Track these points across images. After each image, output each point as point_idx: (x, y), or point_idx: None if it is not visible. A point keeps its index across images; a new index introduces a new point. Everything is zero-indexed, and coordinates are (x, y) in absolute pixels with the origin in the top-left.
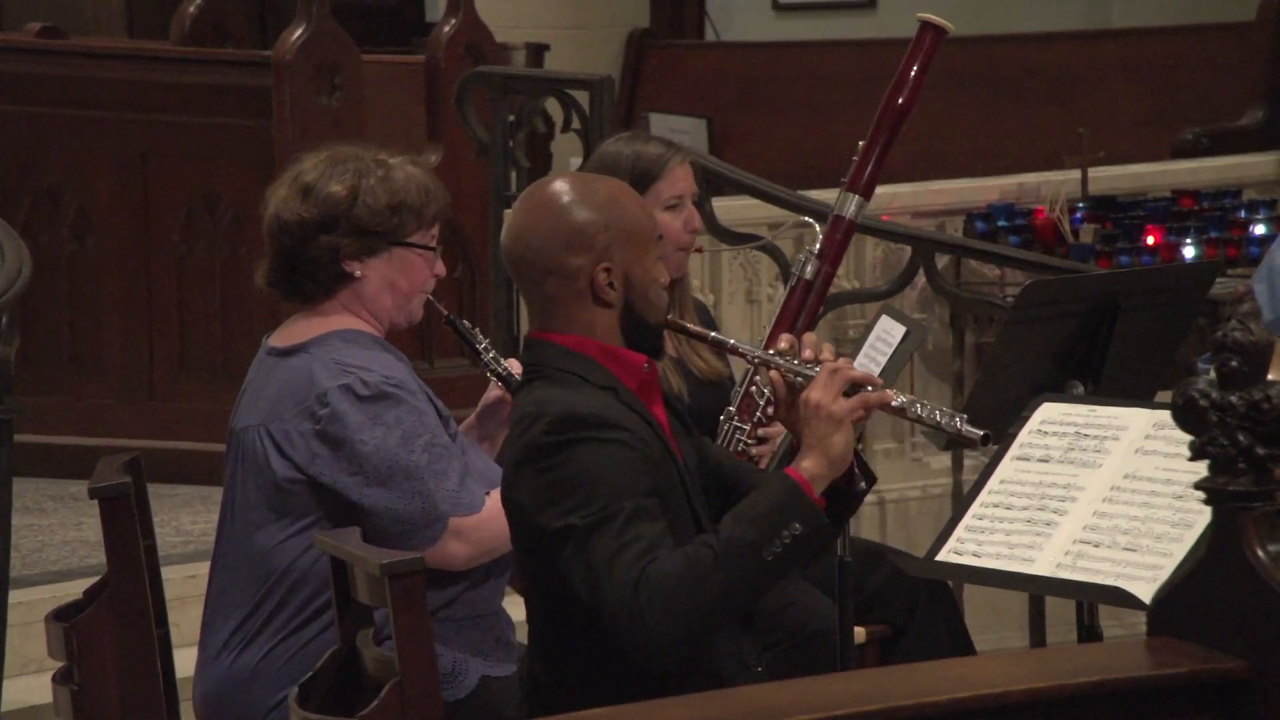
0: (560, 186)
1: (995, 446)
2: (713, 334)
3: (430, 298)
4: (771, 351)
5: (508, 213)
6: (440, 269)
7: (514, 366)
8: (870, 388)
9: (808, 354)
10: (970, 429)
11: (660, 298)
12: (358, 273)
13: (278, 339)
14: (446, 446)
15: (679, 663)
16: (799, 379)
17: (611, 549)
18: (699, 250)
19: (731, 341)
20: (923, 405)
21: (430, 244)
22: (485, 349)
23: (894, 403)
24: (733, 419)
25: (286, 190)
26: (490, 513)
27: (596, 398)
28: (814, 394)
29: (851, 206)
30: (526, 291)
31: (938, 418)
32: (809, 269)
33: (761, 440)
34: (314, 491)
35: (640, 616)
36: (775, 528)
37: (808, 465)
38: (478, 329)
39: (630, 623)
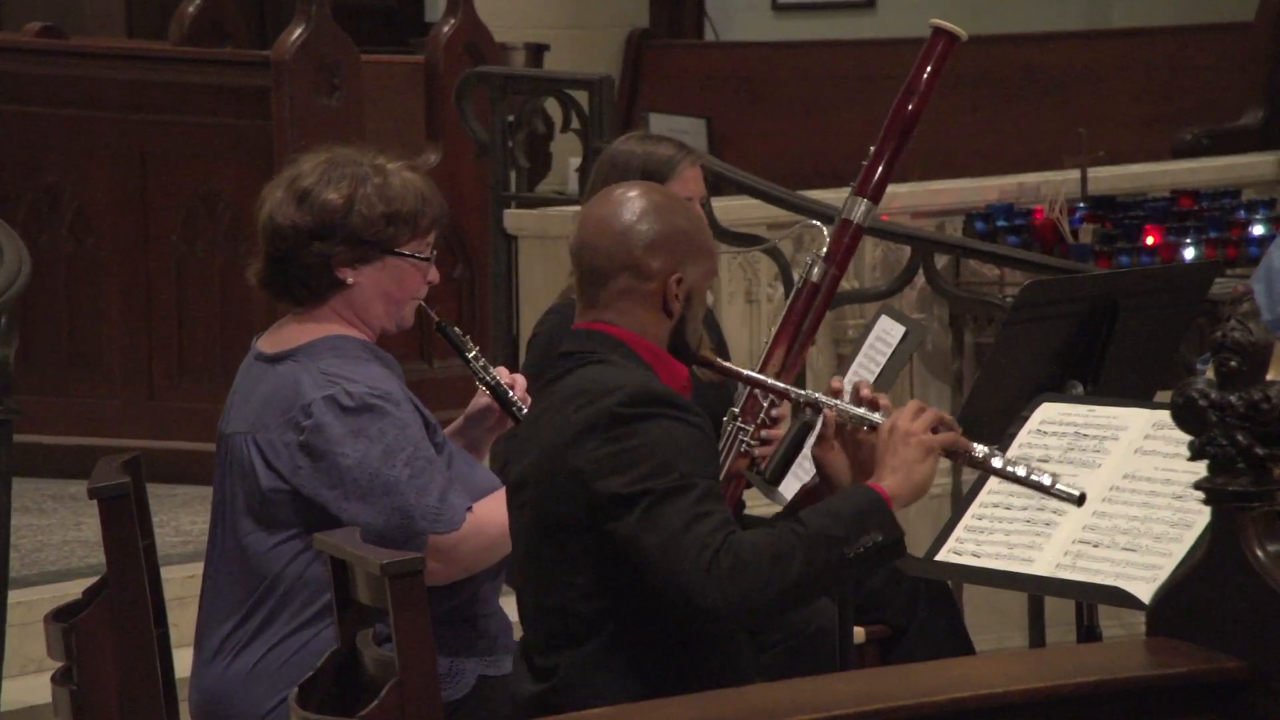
0: (652, 190)
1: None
2: (747, 372)
3: (422, 304)
4: (819, 394)
5: (511, 212)
6: (434, 276)
7: (502, 375)
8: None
9: (866, 392)
10: (1064, 488)
11: (700, 325)
12: (350, 280)
13: (266, 343)
14: (430, 460)
15: (735, 630)
16: (854, 424)
17: (691, 514)
18: None
19: (771, 382)
20: (1009, 461)
21: (425, 253)
22: (475, 357)
23: (976, 453)
24: (736, 419)
25: (283, 193)
26: (469, 530)
27: (664, 384)
28: (903, 421)
29: (859, 211)
30: (589, 283)
31: (1024, 473)
32: (815, 272)
33: (764, 441)
34: (298, 502)
35: (718, 579)
36: (858, 531)
37: (890, 484)
38: (468, 336)
39: (704, 582)
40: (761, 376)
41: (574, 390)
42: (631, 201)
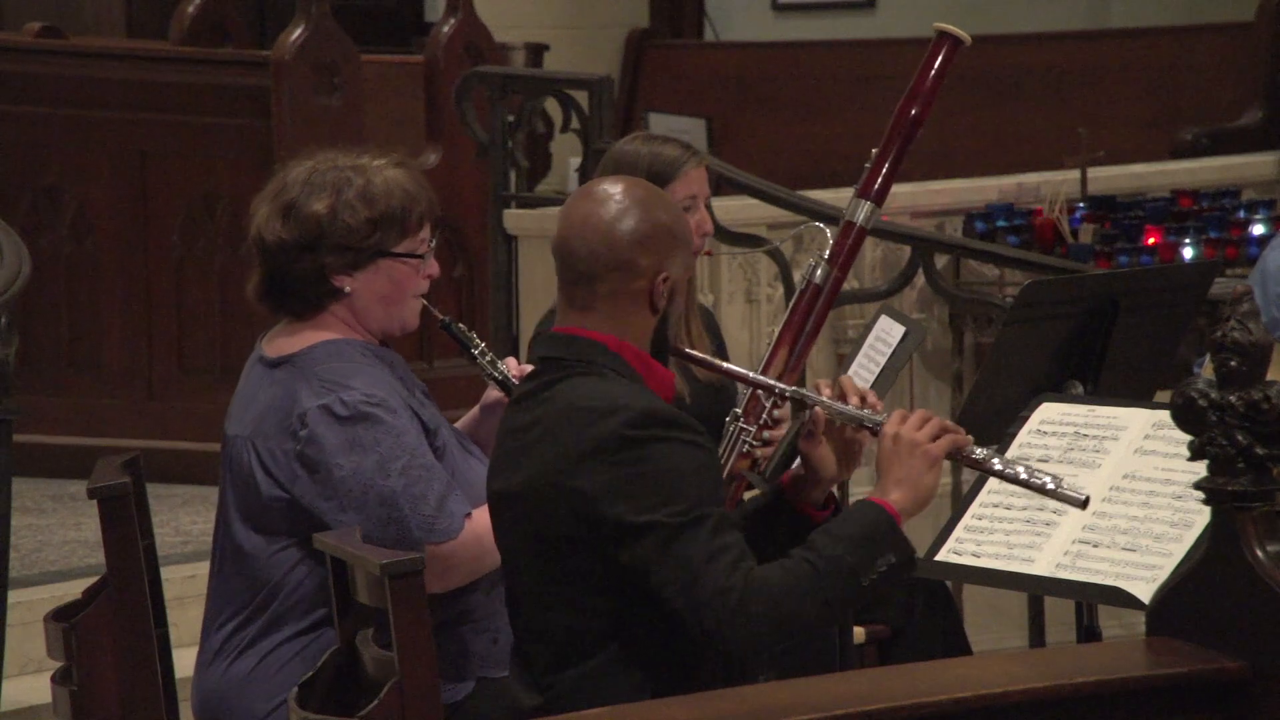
0: (634, 185)
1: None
2: (727, 365)
3: (425, 303)
4: (807, 390)
5: (510, 212)
6: (433, 269)
7: (510, 366)
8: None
9: (854, 401)
10: (1067, 490)
11: (680, 320)
12: (347, 288)
13: (269, 346)
14: (427, 467)
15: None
16: (843, 419)
17: (707, 551)
18: (708, 253)
19: (755, 376)
20: (1010, 463)
21: (418, 250)
22: (482, 352)
23: (978, 456)
24: (738, 420)
25: (268, 208)
26: (467, 537)
27: (660, 399)
28: (907, 431)
29: (863, 213)
30: (574, 283)
31: (1025, 476)
32: (819, 273)
33: (766, 443)
34: (297, 511)
35: (745, 622)
36: (871, 555)
37: (898, 498)
38: (474, 332)
39: (730, 626)
40: (744, 371)
41: (570, 406)
42: (615, 197)
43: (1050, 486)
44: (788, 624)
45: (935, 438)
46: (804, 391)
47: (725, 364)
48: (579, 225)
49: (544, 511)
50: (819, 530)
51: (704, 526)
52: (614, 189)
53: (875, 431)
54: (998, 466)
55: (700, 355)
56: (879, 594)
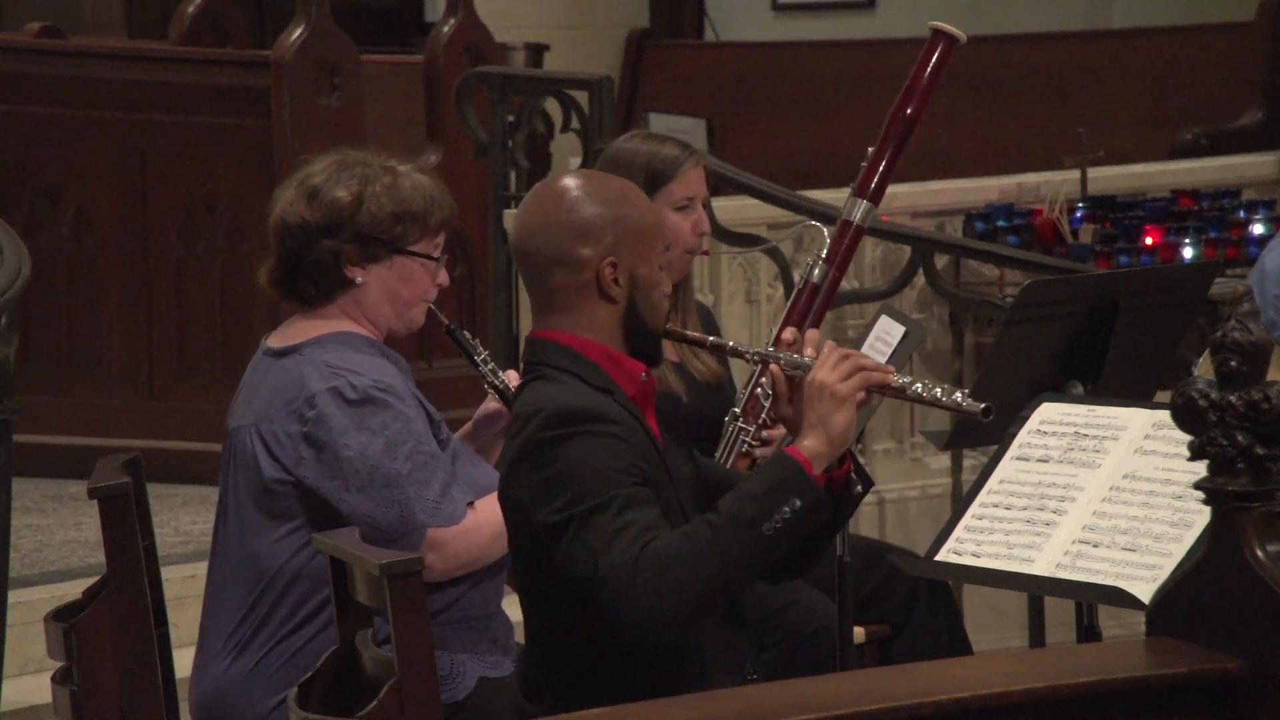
0: (571, 181)
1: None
2: (710, 339)
3: (432, 306)
4: (772, 348)
5: (510, 212)
6: (443, 278)
7: (511, 379)
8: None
9: (810, 351)
10: (971, 402)
11: (662, 303)
12: (359, 279)
13: (275, 339)
14: (432, 455)
15: (674, 639)
16: (799, 373)
17: (609, 532)
18: (705, 253)
19: (730, 344)
20: (922, 384)
21: (434, 253)
22: (484, 360)
23: (894, 382)
24: (737, 419)
25: (293, 192)
26: (469, 525)
27: (592, 395)
28: (819, 374)
29: (859, 212)
30: (531, 286)
31: (938, 394)
32: (816, 272)
33: (765, 442)
34: (300, 494)
35: (639, 594)
36: (775, 504)
37: (808, 443)
38: (477, 340)
39: (629, 600)
40: (723, 340)
41: (515, 415)
42: (556, 193)
43: (956, 401)
44: (685, 592)
45: (847, 377)
46: (767, 350)
47: (710, 338)
48: (524, 226)
49: (509, 523)
50: (728, 494)
51: (609, 509)
52: (558, 185)
53: None
54: (916, 391)
55: (689, 334)
56: (793, 539)
